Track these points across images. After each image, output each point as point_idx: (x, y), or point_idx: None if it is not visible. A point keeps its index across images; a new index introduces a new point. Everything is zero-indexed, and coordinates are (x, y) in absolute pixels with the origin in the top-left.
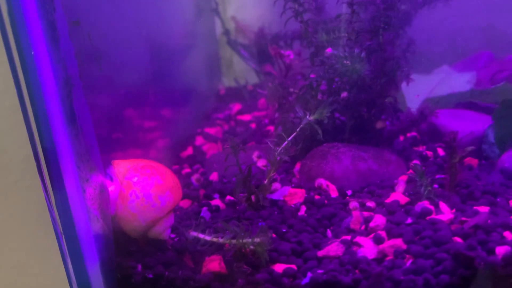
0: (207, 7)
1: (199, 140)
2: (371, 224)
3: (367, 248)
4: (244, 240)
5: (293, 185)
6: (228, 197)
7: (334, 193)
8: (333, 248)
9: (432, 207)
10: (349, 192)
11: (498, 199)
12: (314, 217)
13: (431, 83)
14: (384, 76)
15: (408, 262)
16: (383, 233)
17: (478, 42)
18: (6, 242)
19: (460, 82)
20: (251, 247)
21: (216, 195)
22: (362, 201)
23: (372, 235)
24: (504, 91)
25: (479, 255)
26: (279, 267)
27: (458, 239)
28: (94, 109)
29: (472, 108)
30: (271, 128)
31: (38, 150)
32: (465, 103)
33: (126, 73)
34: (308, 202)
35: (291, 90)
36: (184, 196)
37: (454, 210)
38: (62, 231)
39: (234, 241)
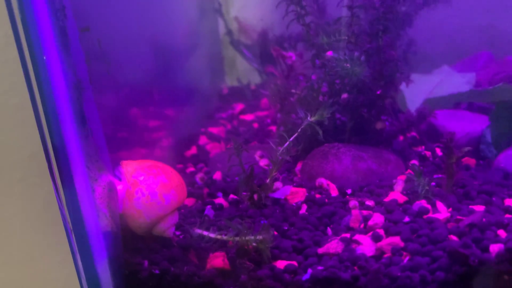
0: (210, 8)
1: (203, 140)
2: (370, 223)
3: (366, 246)
4: (247, 238)
5: (294, 184)
6: (232, 196)
7: (334, 192)
8: (333, 246)
9: (429, 206)
10: (349, 191)
11: (494, 198)
12: (315, 215)
13: (431, 84)
14: (384, 78)
15: (405, 259)
16: (381, 231)
17: (478, 42)
18: (15, 236)
19: (459, 82)
20: (254, 244)
21: (220, 194)
22: (361, 200)
23: (370, 233)
24: (502, 91)
25: (473, 253)
26: (280, 264)
27: (454, 237)
28: (102, 109)
29: (471, 108)
30: (273, 128)
31: (49, 151)
32: (464, 103)
33: (132, 74)
34: (309, 201)
35: (293, 91)
36: (189, 195)
37: (450, 209)
38: (72, 228)
39: (237, 238)
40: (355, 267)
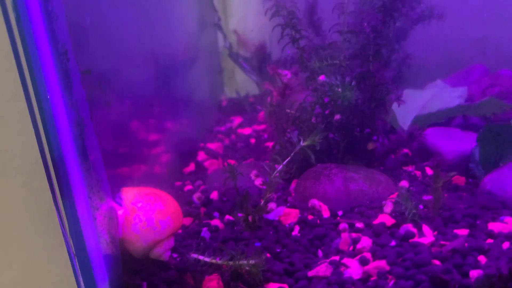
0: (210, 22)
1: (201, 156)
2: (358, 246)
3: (353, 269)
4: (240, 262)
5: (288, 204)
6: (227, 217)
7: (326, 213)
8: (322, 269)
9: (415, 230)
10: (340, 213)
11: (478, 222)
12: (307, 237)
13: (423, 99)
14: (375, 101)
15: (391, 283)
16: (368, 255)
17: (472, 54)
18: (17, 240)
19: (451, 97)
20: (247, 268)
21: (216, 214)
22: (351, 222)
23: (358, 256)
24: (489, 105)
25: (453, 278)
26: (272, 286)
27: (437, 262)
28: (101, 127)
29: (463, 124)
30: (269, 144)
31: (54, 183)
32: (457, 118)
33: (132, 90)
34: (302, 222)
35: (288, 111)
36: (187, 214)
37: (436, 233)
38: (74, 253)
39: (231, 262)
40: None
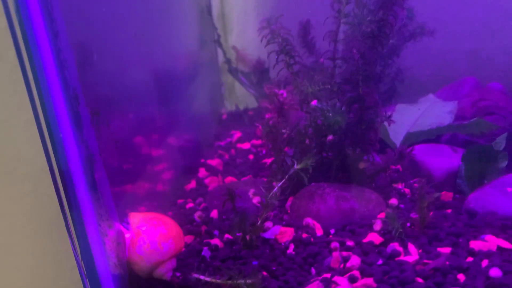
0: (210, 39)
1: (202, 172)
2: (348, 264)
3: (343, 286)
4: (238, 281)
5: (284, 222)
6: (227, 236)
7: (319, 231)
8: (314, 287)
9: (401, 249)
10: (332, 231)
11: (460, 240)
12: (301, 255)
13: (415, 115)
14: (365, 123)
15: None
16: (357, 273)
17: (464, 66)
18: (24, 245)
19: (442, 112)
20: (245, 287)
21: (216, 232)
22: (342, 241)
23: (348, 274)
24: (478, 125)
25: None
26: None
27: (420, 280)
28: (106, 147)
29: (453, 140)
30: (267, 160)
31: (66, 212)
32: (446, 135)
33: (135, 107)
34: (297, 240)
35: (283, 131)
36: (189, 232)
37: (420, 251)
38: (86, 274)
39: (230, 281)
40: None
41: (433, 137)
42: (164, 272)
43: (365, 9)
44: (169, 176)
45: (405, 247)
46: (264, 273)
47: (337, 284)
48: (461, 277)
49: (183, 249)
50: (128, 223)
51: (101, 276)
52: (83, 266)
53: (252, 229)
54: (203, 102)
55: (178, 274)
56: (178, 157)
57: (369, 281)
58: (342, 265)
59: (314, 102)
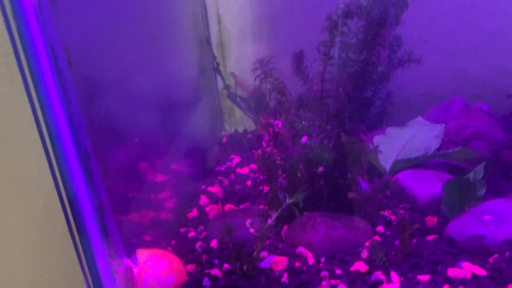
0: (209, 66)
1: (203, 199)
2: None
3: None
4: None
5: (279, 252)
6: (226, 265)
7: (311, 260)
8: None
9: (384, 277)
10: (323, 259)
11: (439, 267)
12: (294, 284)
13: (404, 138)
14: (351, 157)
15: None
16: None
17: (452, 86)
18: (36, 260)
19: (430, 137)
20: None
21: (216, 261)
22: (332, 269)
23: None
24: (461, 154)
25: None
26: None
27: None
28: (111, 175)
29: (438, 165)
30: (264, 187)
31: (81, 254)
32: (432, 160)
33: (138, 134)
34: (290, 269)
35: (278, 161)
36: (190, 261)
37: (402, 279)
38: None
39: None
40: None
41: (420, 162)
42: None
43: (349, 51)
44: (172, 204)
45: (387, 275)
46: None
47: None
48: None
49: (186, 278)
50: (136, 258)
51: None
52: None
53: (248, 259)
54: (204, 127)
55: None
56: (181, 184)
57: None
58: None
59: (304, 139)
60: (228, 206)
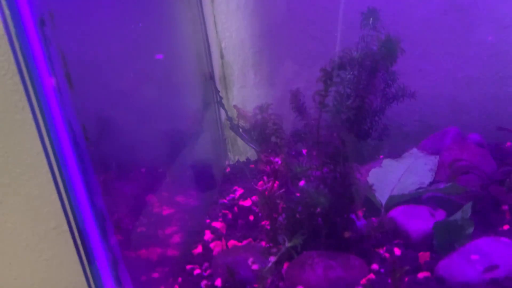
0: (213, 100)
1: (207, 235)
2: None
3: None
4: None
5: None
6: None
7: None
8: None
9: None
10: None
11: None
12: None
13: (399, 171)
14: (346, 199)
15: None
16: None
17: (446, 113)
18: (51, 278)
19: (424, 170)
20: None
21: None
22: None
23: None
24: (452, 189)
25: None
26: None
27: None
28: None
29: (432, 199)
30: (265, 223)
31: None
32: (426, 194)
33: (146, 168)
34: None
35: (278, 201)
36: None
37: None
38: None
39: None
40: None
41: (415, 195)
42: None
43: (343, 99)
44: (178, 239)
45: None
46: None
47: None
48: None
49: None
50: None
51: None
52: None
53: None
54: (208, 159)
55: None
56: (186, 219)
57: None
58: None
59: (302, 183)
60: (232, 242)
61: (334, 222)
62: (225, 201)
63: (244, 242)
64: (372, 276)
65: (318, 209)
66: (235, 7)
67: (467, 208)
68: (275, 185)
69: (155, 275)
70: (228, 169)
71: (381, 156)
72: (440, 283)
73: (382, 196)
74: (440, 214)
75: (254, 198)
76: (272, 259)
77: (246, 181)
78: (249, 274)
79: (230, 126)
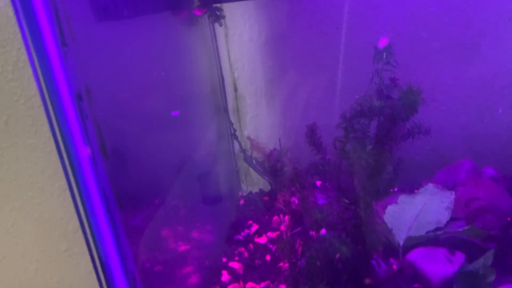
0: (227, 132)
1: (224, 276)
2: None
3: None
4: None
5: None
6: None
7: None
8: None
9: None
10: None
11: None
12: None
13: (417, 206)
14: (367, 247)
15: None
16: None
17: (459, 143)
18: None
19: (440, 208)
20: None
21: None
22: None
23: None
24: (471, 232)
25: None
26: None
27: None
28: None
29: (450, 240)
30: (283, 264)
31: None
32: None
33: (161, 202)
34: None
35: (296, 247)
36: None
37: None
38: None
39: None
40: None
41: (433, 236)
42: None
43: (362, 145)
44: (195, 279)
45: None
46: None
47: None
48: None
49: None
50: None
51: None
52: None
53: None
54: (223, 192)
55: None
56: (203, 257)
57: None
58: None
59: (323, 231)
60: (250, 285)
61: (355, 267)
62: (240, 237)
63: (262, 284)
64: None
65: (337, 255)
66: (248, 39)
67: (489, 255)
68: (291, 223)
69: None
70: (241, 201)
71: (395, 189)
72: None
73: (399, 236)
74: (459, 257)
75: (269, 234)
76: None
77: (260, 214)
78: None
79: (244, 158)
